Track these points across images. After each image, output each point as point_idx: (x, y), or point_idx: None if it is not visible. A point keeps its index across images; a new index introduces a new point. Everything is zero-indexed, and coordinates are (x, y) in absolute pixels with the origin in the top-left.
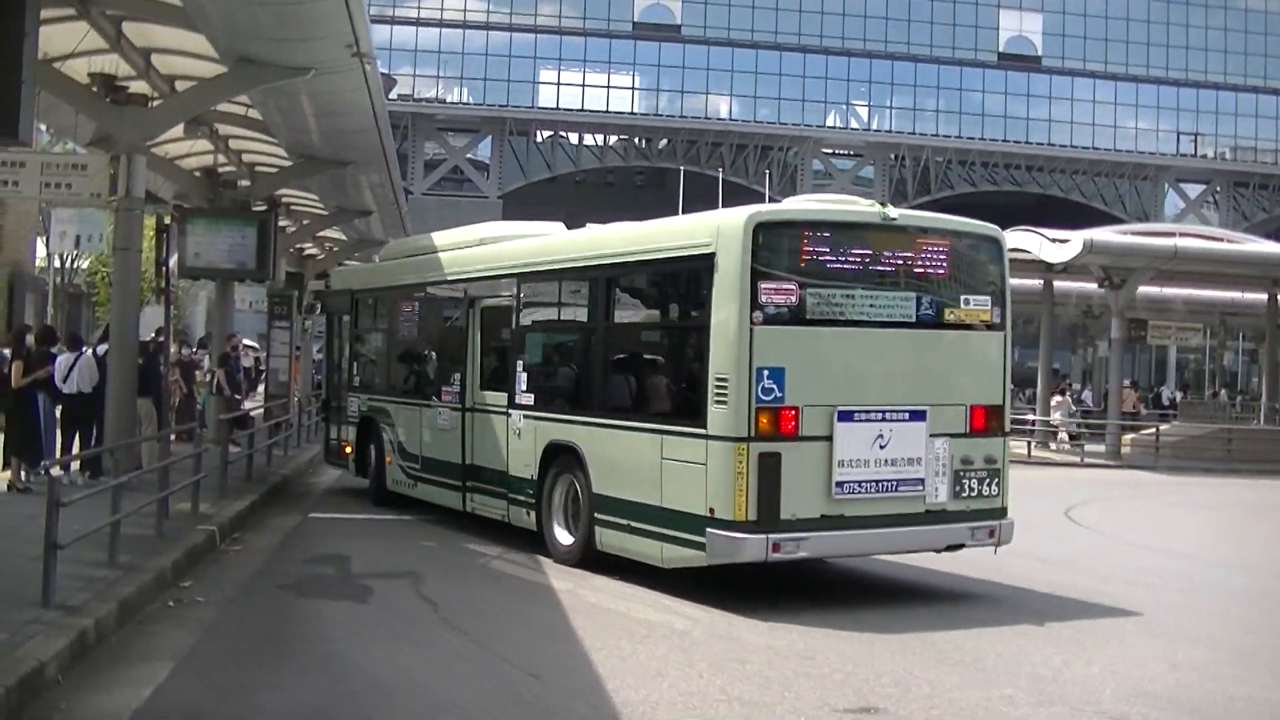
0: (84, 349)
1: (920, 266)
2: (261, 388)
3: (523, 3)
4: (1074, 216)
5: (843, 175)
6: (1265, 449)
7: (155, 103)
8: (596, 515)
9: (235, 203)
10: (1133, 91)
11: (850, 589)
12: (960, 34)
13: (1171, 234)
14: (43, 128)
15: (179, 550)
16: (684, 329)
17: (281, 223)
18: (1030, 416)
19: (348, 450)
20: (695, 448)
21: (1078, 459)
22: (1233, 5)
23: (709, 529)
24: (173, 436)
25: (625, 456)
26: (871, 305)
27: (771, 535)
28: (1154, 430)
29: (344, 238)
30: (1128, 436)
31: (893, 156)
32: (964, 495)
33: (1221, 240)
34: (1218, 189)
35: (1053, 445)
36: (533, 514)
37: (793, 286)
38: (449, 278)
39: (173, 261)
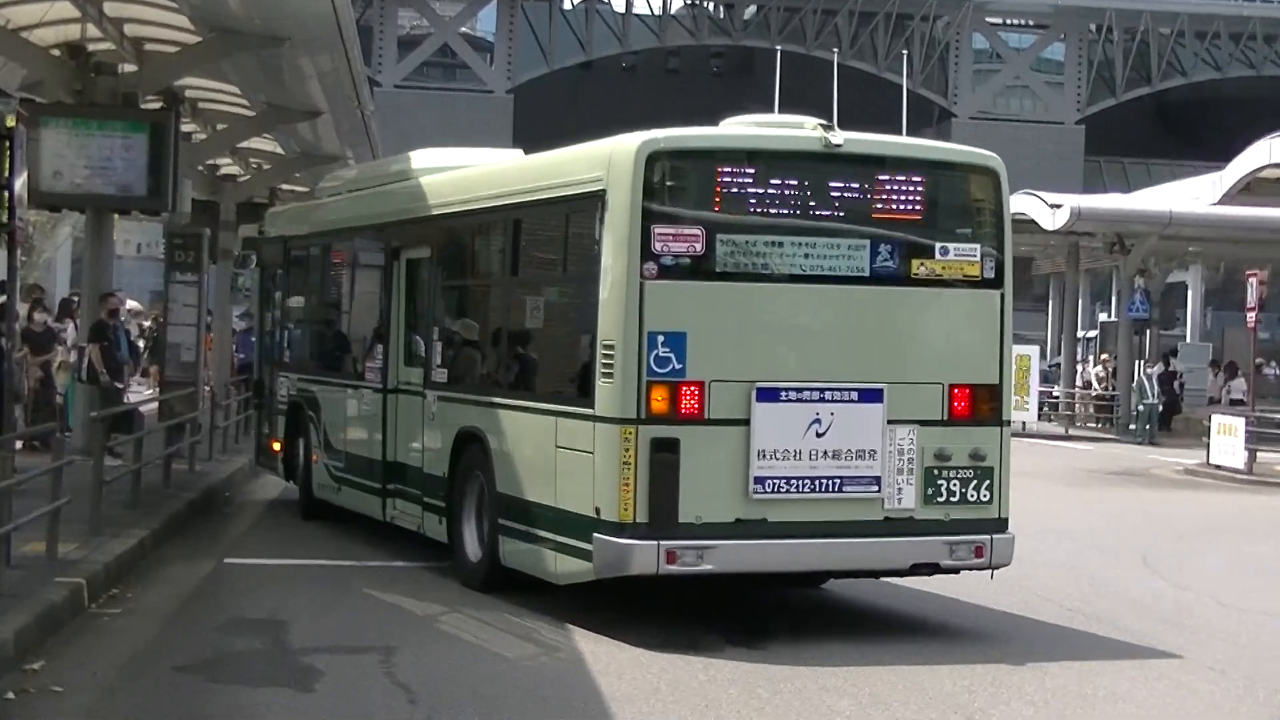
0: None
1: (881, 207)
2: (151, 370)
3: None
4: None
5: (1017, 57)
6: None
7: None
8: (500, 521)
9: (115, 97)
10: None
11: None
12: None
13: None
14: None
15: (25, 614)
16: (580, 287)
17: (186, 128)
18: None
19: (275, 447)
20: (585, 433)
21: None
22: None
23: (595, 534)
24: (19, 444)
25: (524, 446)
26: (807, 256)
27: (665, 542)
28: None
29: (280, 151)
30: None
31: (1093, 28)
32: (940, 500)
33: None
34: None
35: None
36: (444, 522)
37: (696, 232)
38: (368, 222)
39: (19, 184)
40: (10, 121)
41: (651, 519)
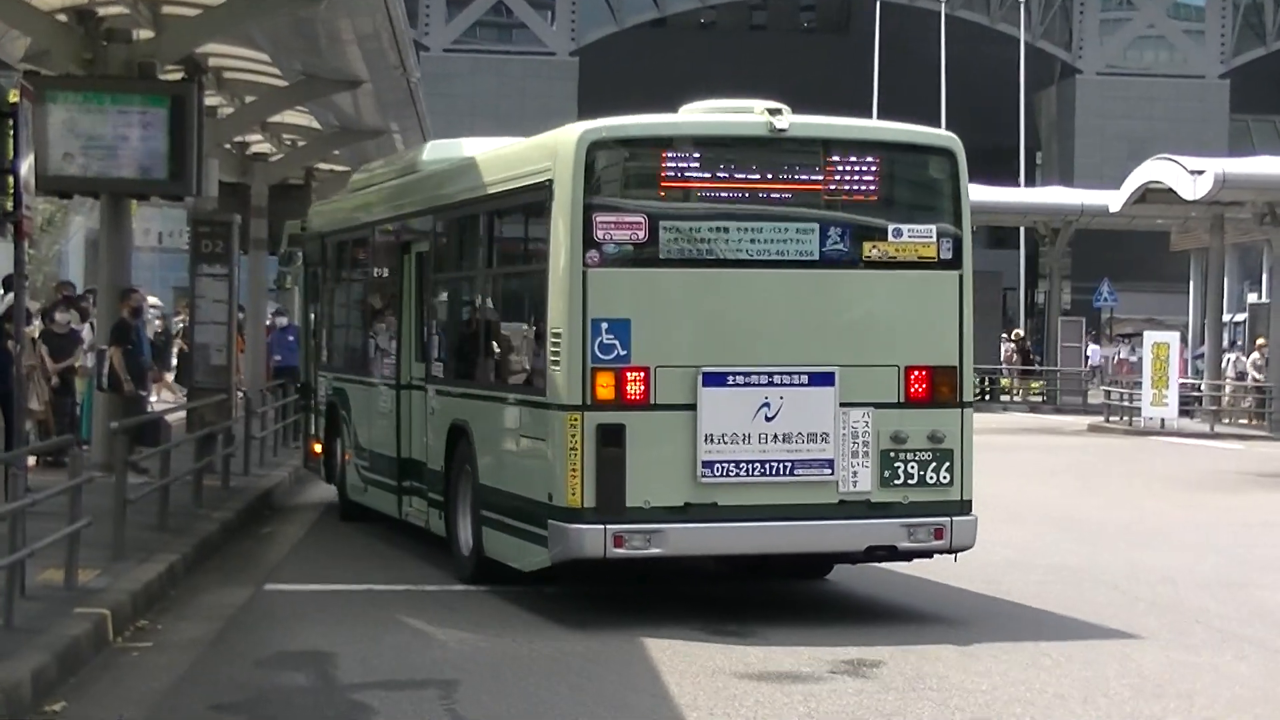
0: None
1: (833, 190)
2: (168, 375)
3: None
4: None
5: (1152, 3)
6: None
7: None
8: (482, 513)
9: (130, 67)
10: None
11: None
12: None
13: None
14: None
15: (43, 650)
16: (538, 277)
17: (211, 101)
18: None
19: (317, 450)
20: (541, 421)
21: None
22: None
23: (549, 520)
24: (32, 460)
25: (498, 437)
26: (754, 241)
27: (612, 526)
28: None
29: (316, 126)
30: None
31: None
32: (897, 483)
33: None
34: None
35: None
36: (442, 517)
37: (639, 220)
38: (384, 217)
39: (24, 167)
40: (13, 97)
41: (599, 504)
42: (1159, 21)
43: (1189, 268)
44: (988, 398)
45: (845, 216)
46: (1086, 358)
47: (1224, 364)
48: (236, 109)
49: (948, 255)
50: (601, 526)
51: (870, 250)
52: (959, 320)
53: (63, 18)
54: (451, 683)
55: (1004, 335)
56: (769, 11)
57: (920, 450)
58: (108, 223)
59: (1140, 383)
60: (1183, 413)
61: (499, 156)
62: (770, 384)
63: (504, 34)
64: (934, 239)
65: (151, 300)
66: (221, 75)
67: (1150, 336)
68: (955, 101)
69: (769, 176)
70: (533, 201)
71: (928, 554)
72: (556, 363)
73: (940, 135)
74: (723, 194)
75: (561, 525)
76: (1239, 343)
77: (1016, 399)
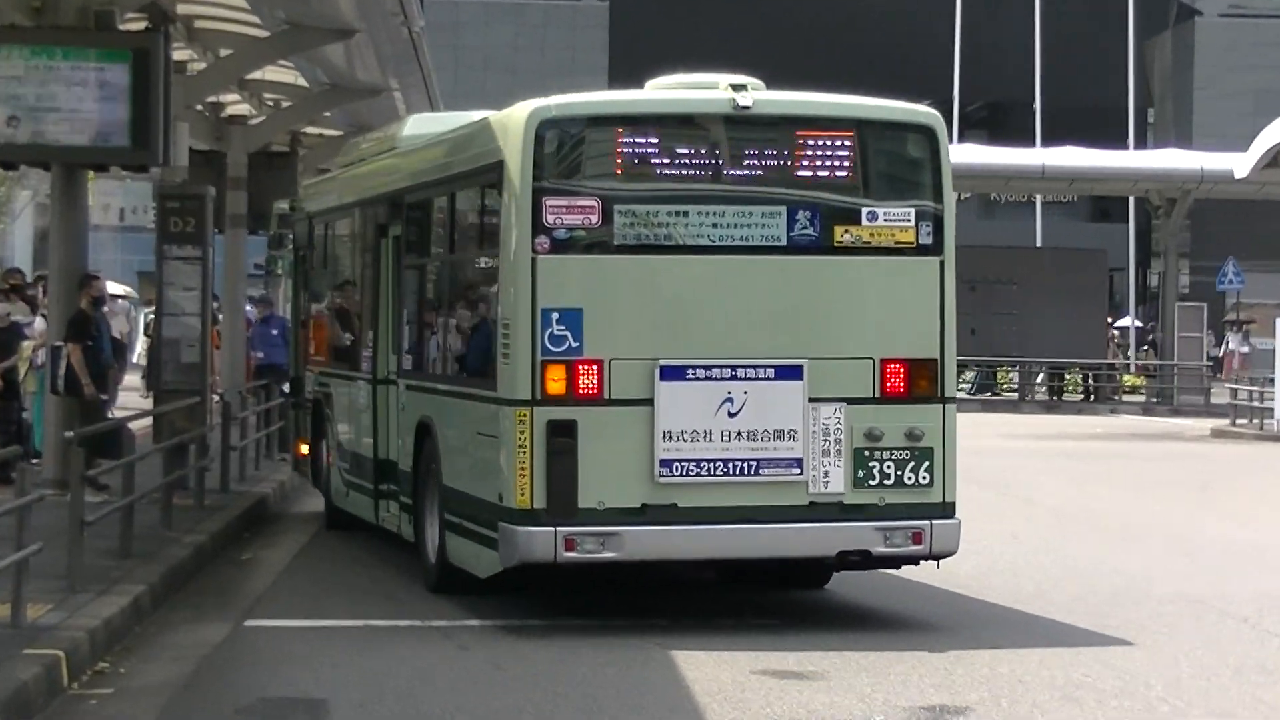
0: None
1: (802, 170)
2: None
3: None
4: None
5: None
6: None
7: None
8: (445, 516)
9: (85, 17)
10: None
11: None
12: None
13: None
14: None
15: None
16: (493, 265)
17: (179, 55)
18: None
19: (303, 451)
20: (491, 416)
21: None
22: None
23: (499, 522)
24: None
25: (459, 434)
26: (715, 225)
27: (563, 528)
28: None
29: (303, 84)
30: None
31: None
32: (873, 483)
33: None
34: None
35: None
36: (411, 521)
37: (591, 203)
38: (363, 198)
39: None
40: None
41: (550, 505)
42: None
43: None
44: (1093, 398)
45: (815, 198)
46: (1234, 350)
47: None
48: (210, 64)
49: (927, 240)
50: (551, 529)
51: (842, 235)
52: (940, 309)
53: None
54: None
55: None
56: None
57: (897, 449)
58: (60, 198)
59: (1274, 380)
60: None
61: (457, 136)
62: (733, 378)
63: None
64: (912, 222)
65: (117, 288)
66: (192, 25)
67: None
68: (1052, 52)
69: (733, 157)
70: (486, 184)
71: (905, 560)
72: (506, 355)
73: (918, 111)
74: (682, 175)
75: (510, 528)
76: None
77: (1128, 398)
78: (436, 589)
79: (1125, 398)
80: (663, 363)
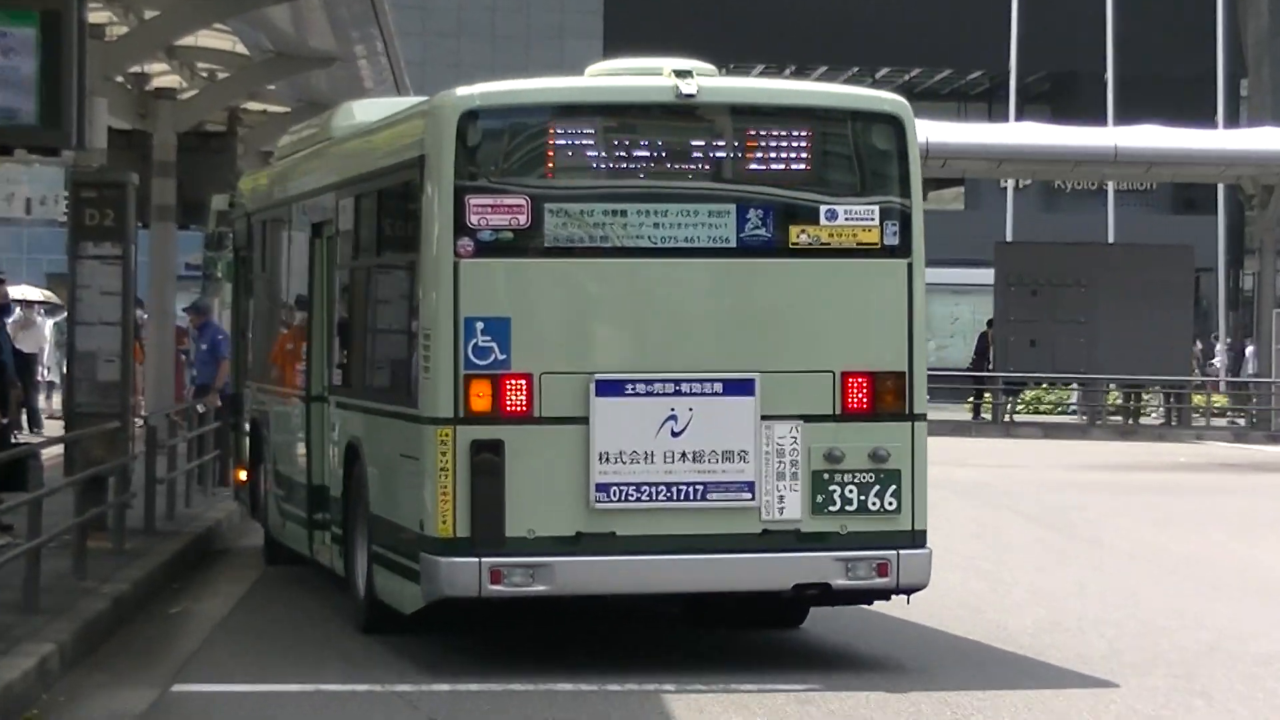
0: None
1: (754, 164)
2: (48, 399)
3: None
4: None
5: None
6: None
7: None
8: (373, 547)
9: None
10: None
11: None
12: None
13: None
14: None
15: None
16: (415, 270)
17: (96, 17)
18: None
19: (241, 477)
20: (413, 436)
21: None
22: None
23: (421, 552)
24: None
25: (385, 455)
26: (657, 226)
27: (488, 559)
28: None
29: (243, 51)
30: None
31: None
32: (833, 510)
33: None
34: None
35: None
36: (342, 554)
37: (519, 202)
38: (294, 194)
39: None
40: None
41: (474, 534)
42: None
43: None
44: (1174, 422)
45: (768, 196)
46: None
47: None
48: (132, 28)
49: (893, 240)
50: (475, 560)
51: (798, 235)
52: (908, 317)
53: None
54: None
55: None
56: None
57: (860, 471)
58: None
59: None
60: None
61: (383, 127)
62: (677, 393)
63: None
64: (876, 222)
65: (33, 292)
66: None
67: None
68: (1127, 13)
69: (676, 150)
70: (410, 181)
71: (870, 595)
72: (427, 369)
73: (883, 99)
74: (620, 171)
75: (431, 559)
76: None
77: (1215, 422)
78: (366, 629)
79: (1213, 421)
80: (599, 377)
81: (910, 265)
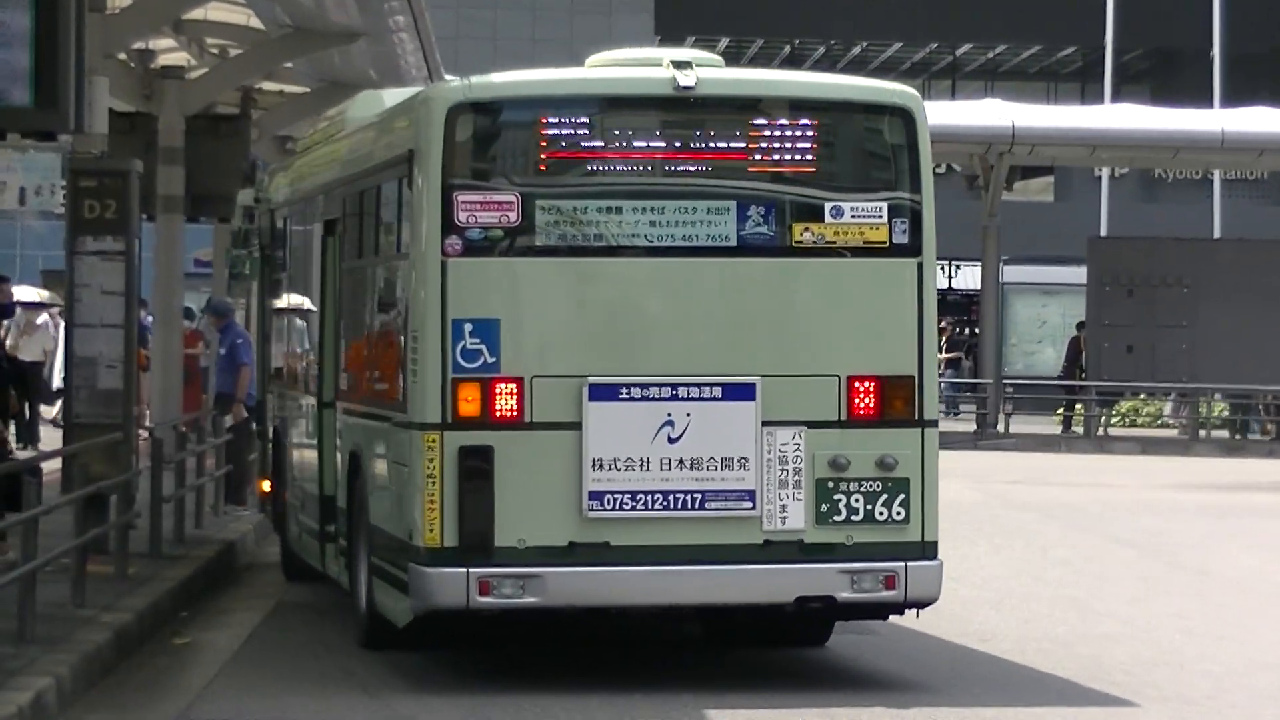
0: None
1: (756, 159)
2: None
3: None
4: None
5: None
6: None
7: None
8: (372, 559)
9: None
10: None
11: None
12: None
13: None
14: None
15: None
16: (410, 269)
17: None
18: None
19: (264, 488)
20: (404, 442)
21: None
22: None
23: (409, 563)
24: None
25: (381, 463)
26: (653, 224)
27: (477, 570)
28: None
29: (257, 25)
30: None
31: None
32: (838, 520)
33: None
34: None
35: None
36: (347, 567)
37: (509, 199)
38: (309, 190)
39: None
40: None
41: (462, 543)
42: None
43: None
44: None
45: (770, 192)
46: None
47: None
48: (135, 1)
49: (902, 239)
50: (464, 570)
51: (802, 233)
52: (918, 319)
53: None
54: None
55: None
56: None
57: (867, 480)
58: None
59: None
60: None
61: (381, 121)
62: (674, 398)
63: None
64: (884, 219)
65: (30, 293)
66: None
67: None
68: None
69: (675, 145)
70: (402, 177)
71: (877, 609)
72: (415, 373)
73: (892, 90)
74: (615, 167)
75: (419, 569)
76: None
77: None
78: (366, 643)
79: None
80: (592, 381)
81: (920, 265)
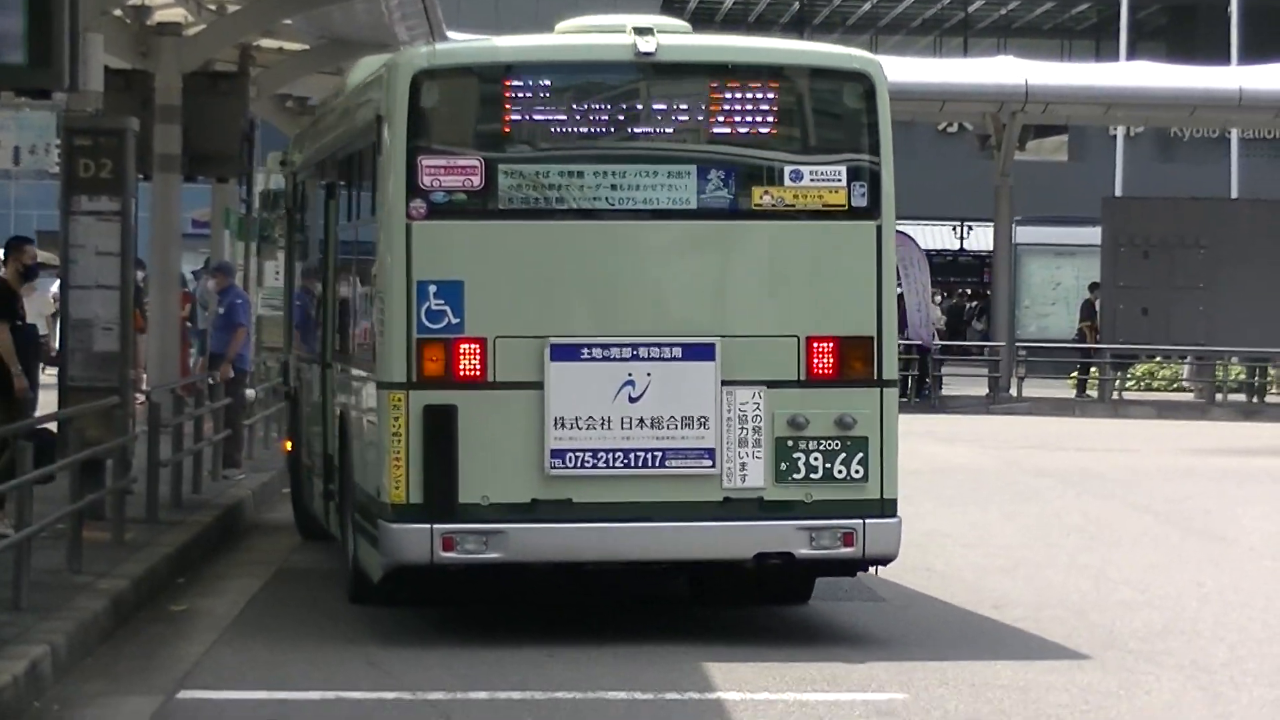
0: None
1: (716, 124)
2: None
3: None
4: None
5: None
6: None
7: None
8: (354, 515)
9: None
10: None
11: None
12: None
13: None
14: None
15: None
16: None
17: None
18: None
19: (287, 446)
20: (375, 401)
21: None
22: None
23: (378, 519)
24: None
25: (360, 421)
26: (614, 187)
27: (441, 526)
28: None
29: None
30: None
31: None
32: (797, 478)
33: None
34: None
35: None
36: (339, 524)
37: (473, 163)
38: (315, 153)
39: None
40: None
41: (427, 500)
42: None
43: None
44: None
45: (730, 156)
46: None
47: None
48: None
49: (861, 202)
50: (427, 526)
51: (761, 197)
52: (877, 281)
53: None
54: None
55: None
56: None
57: (826, 439)
58: None
59: None
60: None
61: (357, 87)
62: (635, 358)
63: None
64: (843, 182)
65: (44, 255)
66: None
67: None
68: None
69: (636, 110)
70: (373, 142)
71: (835, 565)
72: (381, 333)
73: (851, 55)
74: (577, 131)
75: (386, 525)
76: None
77: None
78: (353, 599)
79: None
80: (554, 341)
81: (879, 227)
